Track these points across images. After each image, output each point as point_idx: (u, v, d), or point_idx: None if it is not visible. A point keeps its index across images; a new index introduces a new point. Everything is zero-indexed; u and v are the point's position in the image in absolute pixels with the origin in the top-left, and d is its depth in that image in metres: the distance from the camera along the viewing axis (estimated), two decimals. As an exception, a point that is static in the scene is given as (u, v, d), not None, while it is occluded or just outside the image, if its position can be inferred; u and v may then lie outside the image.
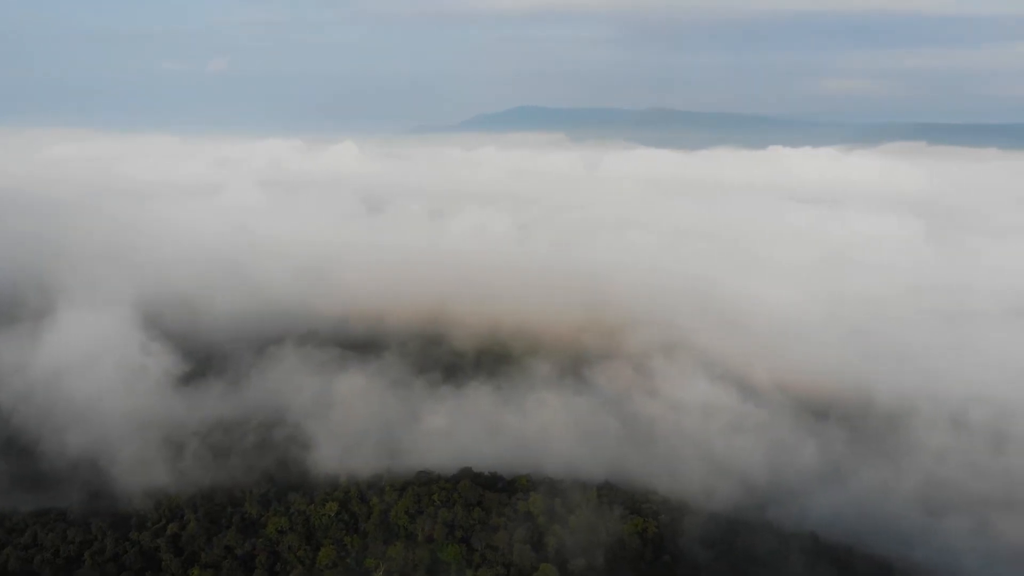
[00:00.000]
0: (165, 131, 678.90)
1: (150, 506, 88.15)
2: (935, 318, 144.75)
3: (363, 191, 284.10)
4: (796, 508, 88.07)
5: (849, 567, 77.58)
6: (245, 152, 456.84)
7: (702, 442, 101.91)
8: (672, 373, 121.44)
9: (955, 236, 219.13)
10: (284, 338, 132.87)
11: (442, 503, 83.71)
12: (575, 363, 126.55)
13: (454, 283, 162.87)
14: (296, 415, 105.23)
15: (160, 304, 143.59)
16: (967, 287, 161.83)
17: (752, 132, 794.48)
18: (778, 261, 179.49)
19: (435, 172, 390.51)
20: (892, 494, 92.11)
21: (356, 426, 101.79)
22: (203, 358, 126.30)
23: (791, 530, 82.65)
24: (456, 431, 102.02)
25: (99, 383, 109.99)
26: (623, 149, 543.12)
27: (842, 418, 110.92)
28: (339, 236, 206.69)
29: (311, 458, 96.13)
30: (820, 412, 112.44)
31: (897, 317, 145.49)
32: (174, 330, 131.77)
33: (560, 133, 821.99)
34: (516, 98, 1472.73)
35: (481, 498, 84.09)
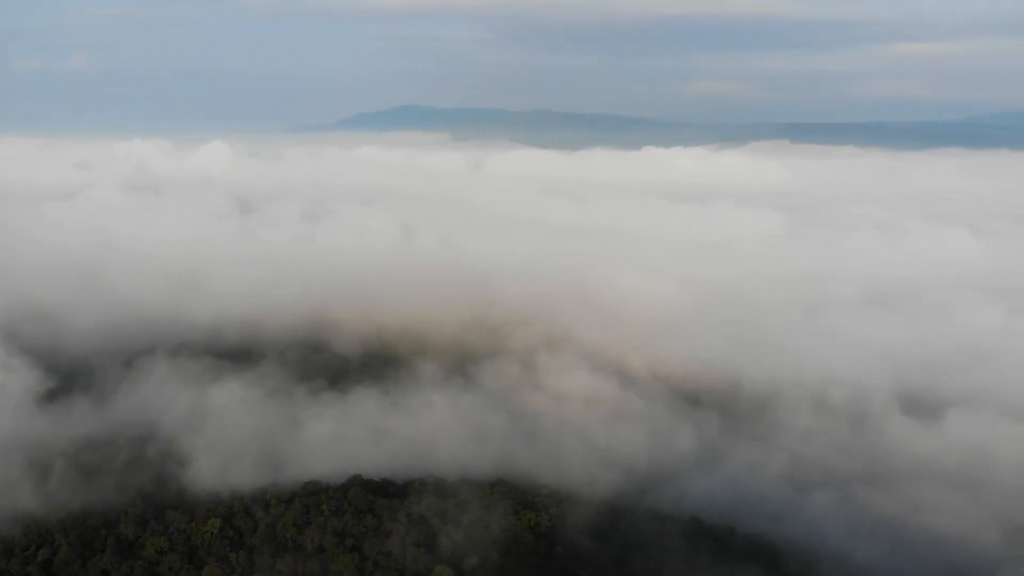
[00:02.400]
0: (21, 133, 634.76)
1: (18, 532, 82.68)
2: (797, 307, 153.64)
3: (235, 193, 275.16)
4: (677, 492, 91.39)
5: (730, 546, 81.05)
6: (108, 154, 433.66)
7: (587, 433, 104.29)
8: (556, 367, 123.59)
9: (815, 229, 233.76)
10: (154, 349, 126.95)
11: (332, 512, 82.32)
12: (461, 362, 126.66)
13: (335, 286, 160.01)
14: (170, 430, 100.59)
15: (18, 317, 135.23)
16: (826, 277, 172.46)
17: (627, 133, 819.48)
18: (653, 256, 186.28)
19: (312, 172, 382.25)
20: (764, 474, 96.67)
21: (236, 438, 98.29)
22: (67, 373, 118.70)
23: (675, 514, 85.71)
24: (343, 438, 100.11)
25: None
26: (506, 149, 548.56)
27: (715, 404, 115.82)
28: (210, 240, 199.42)
29: (189, 474, 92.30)
30: (694, 399, 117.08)
31: (762, 307, 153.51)
32: (35, 344, 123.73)
33: (444, 133, 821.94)
34: (398, 97, 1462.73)
35: (372, 504, 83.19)
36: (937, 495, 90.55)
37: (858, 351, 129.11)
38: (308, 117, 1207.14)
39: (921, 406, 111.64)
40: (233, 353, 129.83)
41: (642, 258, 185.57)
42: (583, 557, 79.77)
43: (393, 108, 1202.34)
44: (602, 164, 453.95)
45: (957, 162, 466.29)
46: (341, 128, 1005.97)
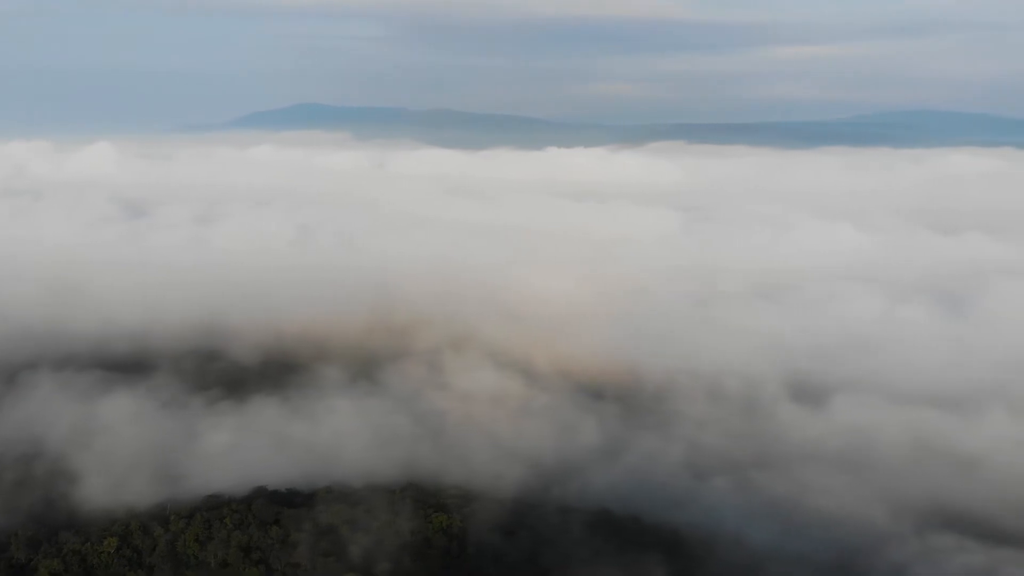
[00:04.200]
0: None
1: None
2: (691, 300, 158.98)
3: (122, 196, 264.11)
4: (584, 485, 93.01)
5: (635, 535, 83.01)
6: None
7: (494, 431, 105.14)
8: (461, 367, 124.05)
9: (708, 226, 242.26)
10: (37, 363, 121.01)
11: (235, 526, 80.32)
12: (365, 365, 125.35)
13: (230, 291, 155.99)
14: (58, 447, 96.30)
15: None
16: (718, 271, 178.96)
17: (529, 133, 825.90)
18: (555, 254, 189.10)
19: (204, 173, 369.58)
20: (664, 463, 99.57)
21: (129, 453, 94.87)
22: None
23: (582, 506, 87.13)
24: (244, 448, 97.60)
25: None
26: (408, 148, 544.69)
27: (616, 397, 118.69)
28: (95, 246, 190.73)
29: (81, 492, 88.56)
30: (597, 393, 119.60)
31: (659, 301, 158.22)
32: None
33: (344, 132, 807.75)
34: (295, 95, 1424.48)
35: (278, 516, 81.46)
36: (825, 476, 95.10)
37: (749, 342, 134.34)
38: (199, 116, 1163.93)
39: (808, 392, 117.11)
40: (123, 364, 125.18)
41: (544, 256, 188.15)
42: (495, 555, 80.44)
43: (290, 107, 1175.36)
44: (505, 164, 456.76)
45: (842, 160, 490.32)
46: (234, 127, 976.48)
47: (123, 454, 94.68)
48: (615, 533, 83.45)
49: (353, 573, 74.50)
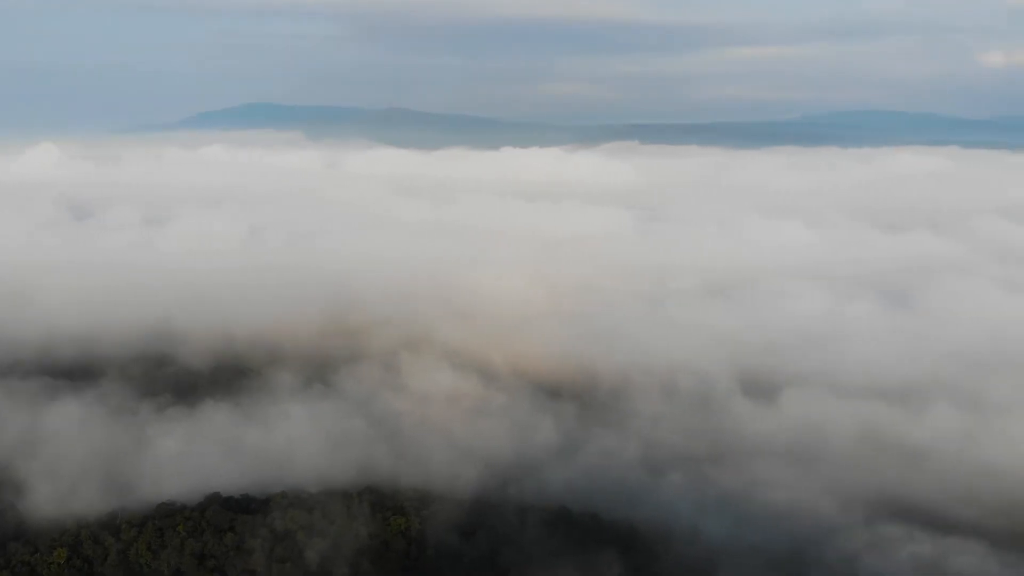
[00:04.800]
0: None
1: None
2: (645, 299, 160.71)
3: (67, 198, 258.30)
4: (542, 483, 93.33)
5: (595, 532, 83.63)
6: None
7: (451, 432, 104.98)
8: (417, 368, 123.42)
9: (660, 225, 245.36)
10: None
11: (189, 533, 79.14)
12: (320, 369, 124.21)
13: (180, 295, 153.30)
14: (3, 457, 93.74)
15: None
16: (670, 270, 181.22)
17: (485, 133, 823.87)
18: (510, 255, 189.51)
19: (153, 173, 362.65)
20: (621, 459, 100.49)
21: (77, 462, 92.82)
22: None
23: (540, 505, 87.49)
24: (196, 455, 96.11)
25: None
26: (362, 148, 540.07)
27: (572, 395, 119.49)
28: (39, 250, 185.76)
29: (28, 503, 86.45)
30: (553, 391, 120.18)
31: (613, 300, 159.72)
32: None
33: (296, 131, 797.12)
34: (246, 95, 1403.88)
35: (233, 523, 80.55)
36: (777, 469, 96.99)
37: (701, 339, 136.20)
38: (147, 116, 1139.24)
39: (759, 388, 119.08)
40: (69, 371, 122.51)
41: (500, 256, 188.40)
42: (454, 556, 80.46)
43: (240, 106, 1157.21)
44: (460, 164, 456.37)
45: (790, 159, 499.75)
46: (184, 127, 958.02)
47: (71, 463, 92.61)
48: (573, 531, 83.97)
49: (310, 578, 73.84)
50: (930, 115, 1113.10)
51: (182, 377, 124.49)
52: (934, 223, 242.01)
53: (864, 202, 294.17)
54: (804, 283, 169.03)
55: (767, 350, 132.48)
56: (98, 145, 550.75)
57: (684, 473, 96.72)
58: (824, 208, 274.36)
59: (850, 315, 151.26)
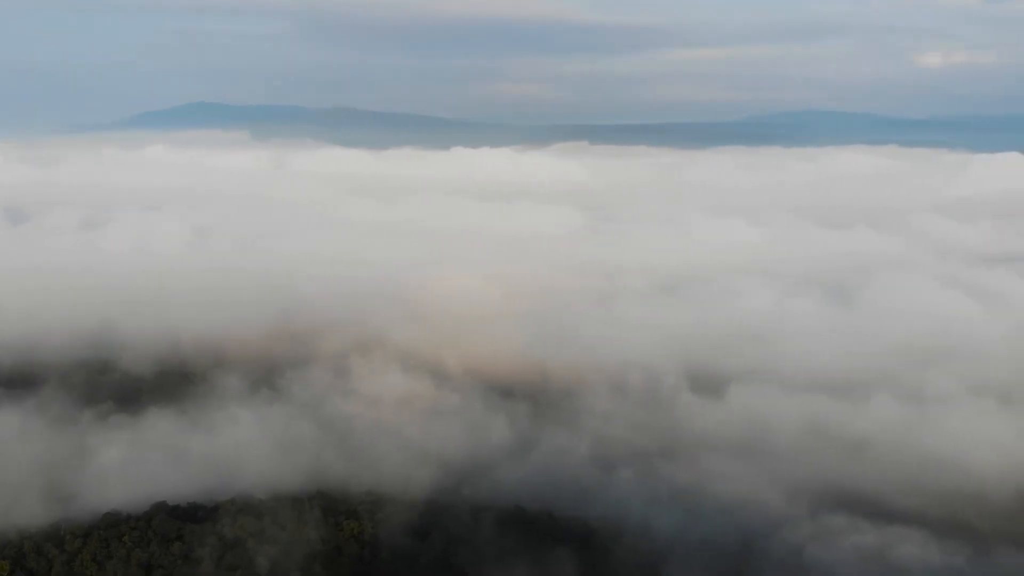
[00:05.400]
0: None
1: None
2: (596, 298, 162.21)
3: (2, 201, 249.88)
4: (496, 483, 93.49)
5: (550, 530, 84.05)
6: None
7: (404, 434, 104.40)
8: (368, 370, 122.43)
9: (610, 224, 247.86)
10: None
11: (135, 543, 77.62)
12: (267, 373, 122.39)
13: (121, 299, 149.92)
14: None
15: None
16: (620, 268, 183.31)
17: (435, 133, 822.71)
18: (462, 255, 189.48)
19: (92, 175, 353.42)
20: (573, 457, 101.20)
21: (18, 473, 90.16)
22: None
23: (495, 504, 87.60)
24: (141, 464, 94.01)
25: None
26: (309, 148, 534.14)
27: (526, 394, 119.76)
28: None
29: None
30: (507, 391, 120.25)
31: (564, 299, 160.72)
32: None
33: (241, 131, 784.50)
34: (189, 94, 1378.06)
35: (180, 531, 79.24)
36: (725, 463, 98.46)
37: (651, 336, 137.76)
38: (86, 116, 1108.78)
39: (708, 383, 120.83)
40: (7, 379, 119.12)
41: (451, 256, 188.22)
42: (408, 559, 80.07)
43: (184, 105, 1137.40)
44: (410, 163, 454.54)
45: (736, 159, 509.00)
46: (124, 127, 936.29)
47: (12, 474, 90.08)
48: (528, 529, 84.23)
49: (261, 585, 72.80)
50: (870, 115, 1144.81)
51: (125, 384, 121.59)
52: (875, 220, 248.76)
53: (808, 200, 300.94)
54: (750, 280, 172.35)
55: (715, 346, 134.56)
56: (35, 146, 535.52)
57: (636, 469, 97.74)
58: (769, 207, 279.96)
59: (794, 311, 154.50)
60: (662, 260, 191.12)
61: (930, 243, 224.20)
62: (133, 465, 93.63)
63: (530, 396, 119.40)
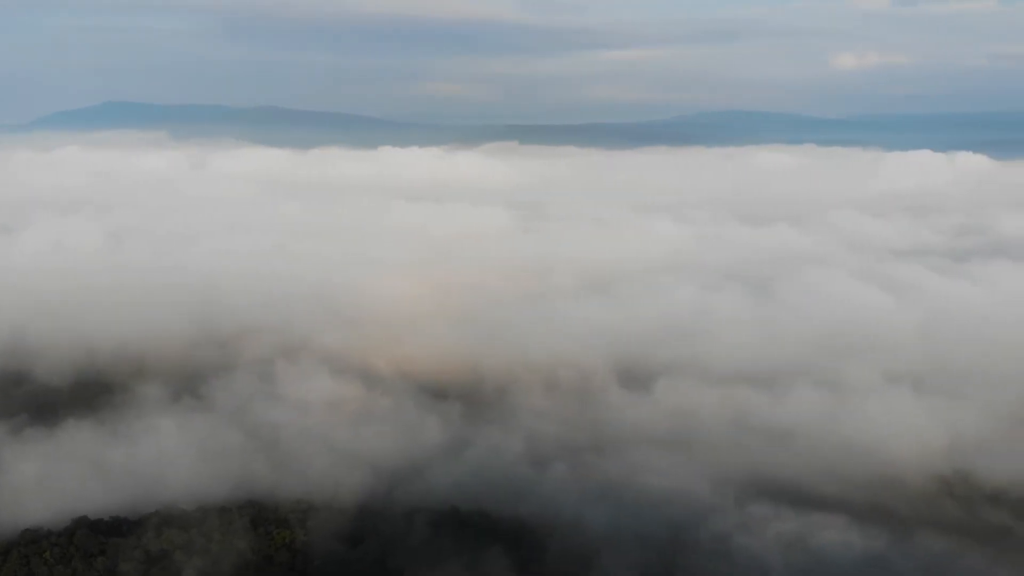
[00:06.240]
0: None
1: None
2: (526, 297, 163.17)
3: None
4: (431, 485, 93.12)
5: (485, 530, 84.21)
6: None
7: (334, 439, 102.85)
8: (296, 375, 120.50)
9: (540, 224, 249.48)
10: None
11: (57, 560, 75.23)
12: (190, 381, 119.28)
13: (34, 307, 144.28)
14: None
15: None
16: (550, 267, 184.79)
17: (362, 132, 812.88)
18: (390, 257, 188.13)
19: (1, 178, 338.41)
20: (507, 455, 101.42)
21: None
22: None
23: (430, 506, 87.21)
24: (59, 478, 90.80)
25: None
26: (231, 148, 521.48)
27: (459, 395, 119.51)
28: None
29: None
30: (439, 392, 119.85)
31: (495, 299, 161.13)
32: None
33: (161, 131, 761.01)
34: (104, 93, 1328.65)
35: (104, 546, 77.03)
36: (654, 457, 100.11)
37: (581, 333, 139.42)
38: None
39: (636, 378, 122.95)
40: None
41: (379, 257, 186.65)
42: (341, 565, 79.15)
43: (99, 105, 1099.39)
44: (337, 163, 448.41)
45: (662, 159, 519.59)
46: (36, 128, 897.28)
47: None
48: (462, 530, 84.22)
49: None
50: (789, 115, 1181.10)
51: (40, 395, 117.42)
52: (793, 217, 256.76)
53: (730, 199, 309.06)
54: (675, 276, 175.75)
55: (643, 342, 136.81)
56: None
57: (568, 465, 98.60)
58: (693, 205, 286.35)
59: (718, 306, 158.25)
60: (591, 258, 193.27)
61: (846, 238, 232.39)
62: (51, 479, 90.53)
63: (463, 396, 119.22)
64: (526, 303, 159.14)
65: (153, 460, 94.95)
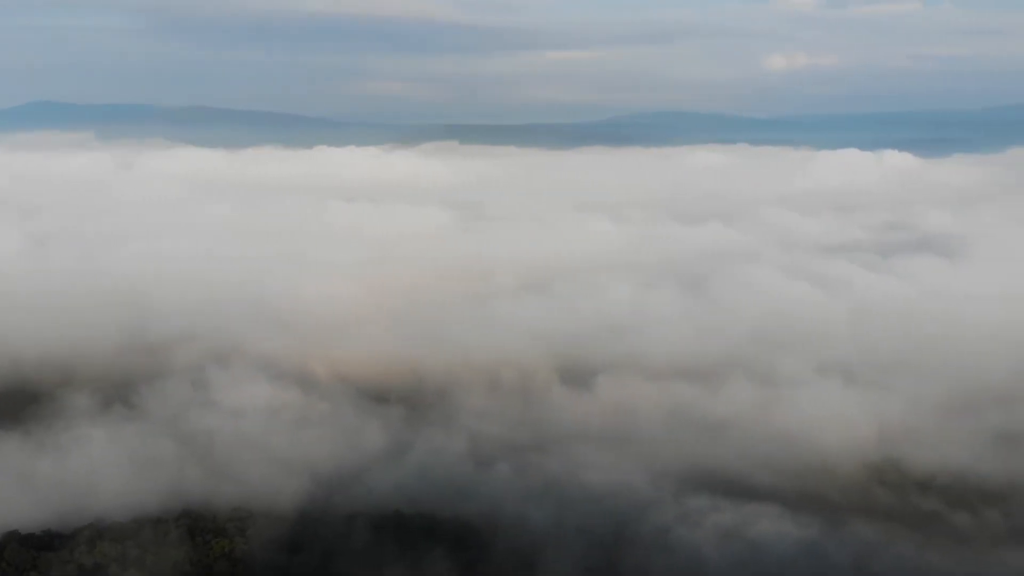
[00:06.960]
0: None
1: None
2: (466, 297, 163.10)
3: None
4: (373, 489, 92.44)
5: (429, 532, 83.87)
6: None
7: (272, 445, 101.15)
8: (229, 382, 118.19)
9: (479, 224, 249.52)
10: None
11: (-18, 578, 72.52)
12: (119, 389, 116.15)
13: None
14: None
15: None
16: (490, 267, 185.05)
17: (296, 131, 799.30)
18: (327, 258, 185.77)
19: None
20: (451, 457, 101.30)
21: None
22: None
23: (373, 511, 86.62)
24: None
25: None
26: (160, 148, 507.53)
27: (400, 398, 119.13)
28: None
29: None
30: (380, 396, 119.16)
31: (435, 300, 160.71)
32: None
33: (86, 131, 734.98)
34: (27, 93, 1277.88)
35: (35, 561, 75.11)
36: (594, 453, 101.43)
37: (521, 332, 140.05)
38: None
39: (576, 376, 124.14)
40: None
41: (316, 259, 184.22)
42: (284, 572, 78.16)
43: (23, 105, 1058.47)
44: (271, 163, 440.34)
45: (599, 159, 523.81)
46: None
47: None
48: (406, 533, 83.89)
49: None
50: (721, 115, 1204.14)
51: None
52: (726, 215, 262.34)
53: (664, 197, 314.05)
54: (612, 275, 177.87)
55: (583, 340, 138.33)
56: None
57: (510, 464, 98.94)
58: (630, 204, 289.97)
59: (655, 303, 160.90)
60: (530, 258, 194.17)
61: (778, 235, 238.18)
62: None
63: (403, 399, 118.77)
64: (466, 303, 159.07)
65: (84, 471, 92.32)
